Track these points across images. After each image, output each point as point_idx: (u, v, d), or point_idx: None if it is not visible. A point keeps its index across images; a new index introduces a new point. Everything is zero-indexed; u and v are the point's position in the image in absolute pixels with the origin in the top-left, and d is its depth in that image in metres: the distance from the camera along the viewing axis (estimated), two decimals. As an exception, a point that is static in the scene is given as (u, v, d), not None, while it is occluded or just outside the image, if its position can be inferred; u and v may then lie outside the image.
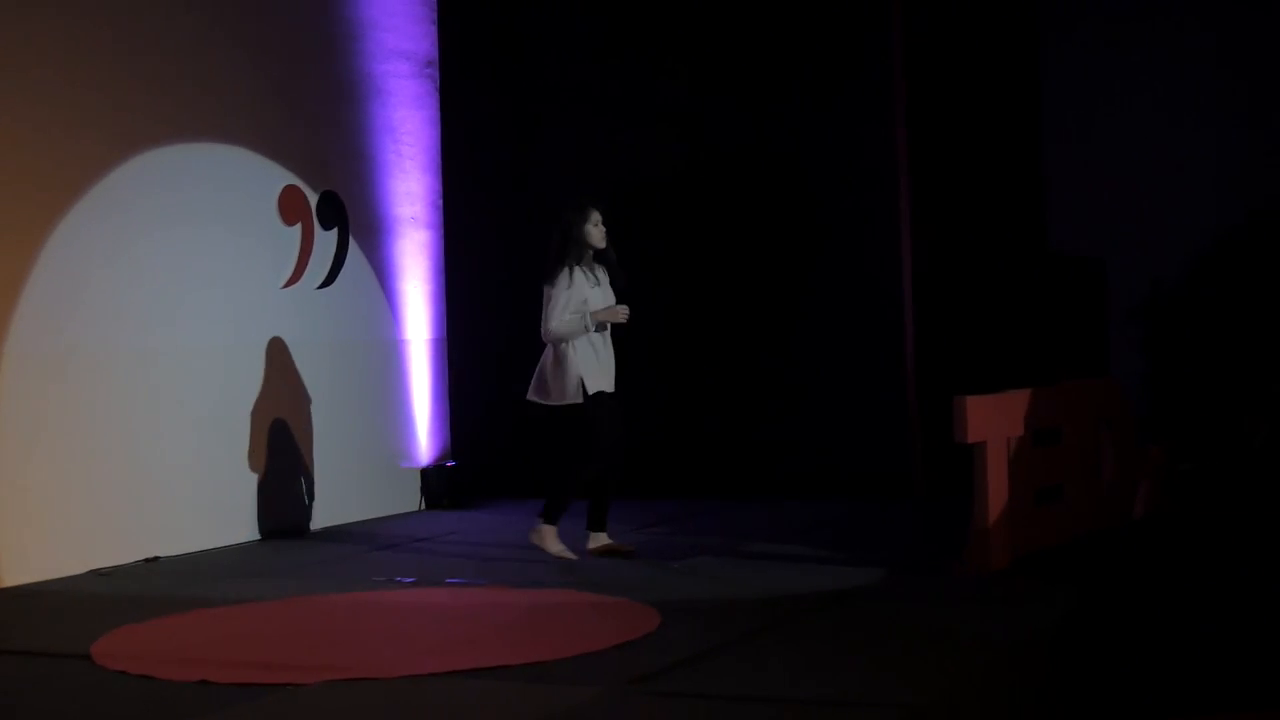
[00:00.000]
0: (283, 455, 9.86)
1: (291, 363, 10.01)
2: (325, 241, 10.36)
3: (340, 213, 10.47)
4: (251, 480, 9.62)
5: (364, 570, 8.33)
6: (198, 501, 9.25)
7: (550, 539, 8.42)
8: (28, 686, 5.92)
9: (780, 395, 11.18)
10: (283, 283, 10.03)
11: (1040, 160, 11.54)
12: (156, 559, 8.84)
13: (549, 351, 8.43)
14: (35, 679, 6.02)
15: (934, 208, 10.89)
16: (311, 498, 10.01)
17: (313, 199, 10.26)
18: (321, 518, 10.07)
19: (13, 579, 8.07)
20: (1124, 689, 6.03)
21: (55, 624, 7.12)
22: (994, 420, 7.78)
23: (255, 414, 9.65)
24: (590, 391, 8.37)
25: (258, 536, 9.60)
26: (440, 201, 11.44)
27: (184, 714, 5.36)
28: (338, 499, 10.20)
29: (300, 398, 10.09)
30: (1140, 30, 11.10)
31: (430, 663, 6.04)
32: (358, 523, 10.18)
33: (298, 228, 10.13)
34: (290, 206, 10.08)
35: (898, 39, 10.78)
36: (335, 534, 9.79)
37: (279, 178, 10.01)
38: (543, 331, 8.39)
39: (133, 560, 8.74)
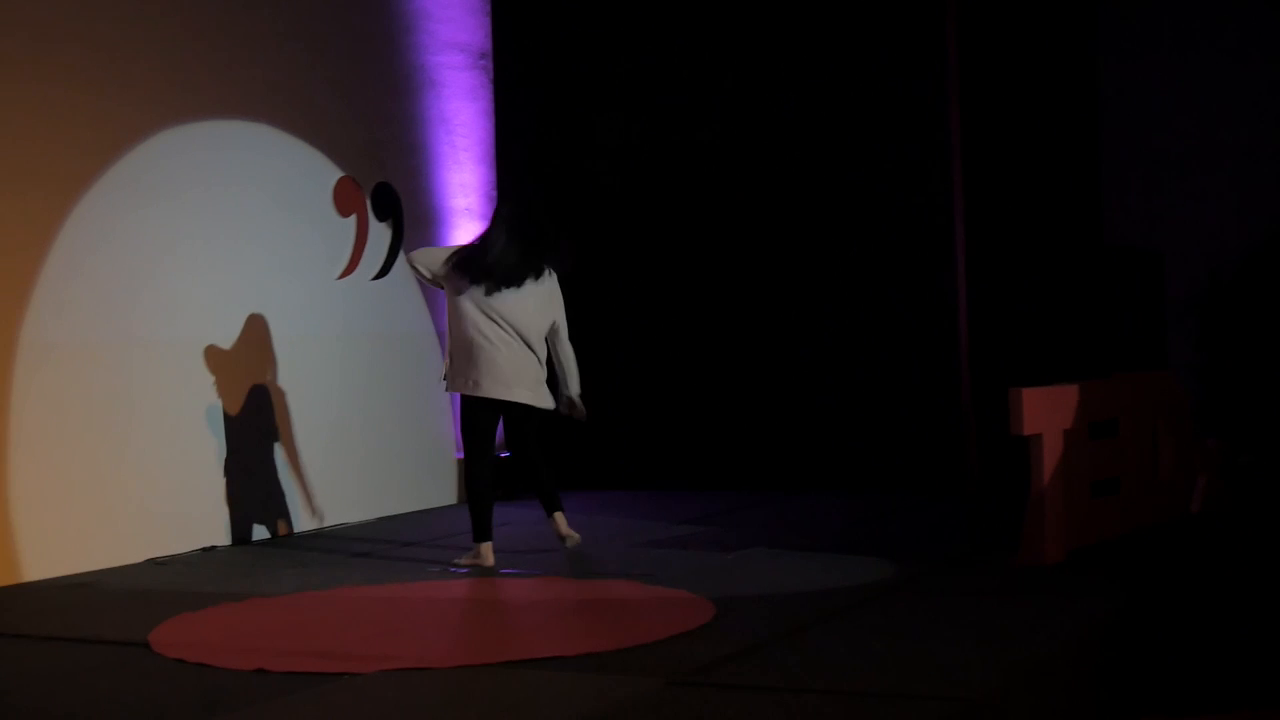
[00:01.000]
0: (334, 447, 9.90)
1: (342, 354, 10.05)
2: (380, 233, 10.40)
3: (395, 204, 10.50)
4: (303, 472, 9.67)
5: (418, 561, 8.35)
6: (251, 493, 9.30)
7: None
8: (88, 674, 5.96)
9: (834, 388, 11.15)
10: (337, 274, 10.08)
11: (1097, 152, 11.46)
12: (213, 548, 8.91)
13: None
14: (95, 666, 6.07)
15: (988, 200, 10.83)
16: (364, 489, 10.05)
17: (367, 190, 10.30)
18: (375, 508, 10.11)
19: (71, 567, 8.14)
20: (1178, 683, 6.02)
21: (114, 612, 7.17)
22: (1049, 413, 7.74)
23: (305, 406, 9.70)
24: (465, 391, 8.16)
25: (310, 527, 9.65)
26: (494, 193, 11.46)
27: (242, 702, 5.39)
28: (392, 490, 10.24)
29: (351, 390, 10.13)
30: (1199, 22, 11.01)
31: (485, 653, 6.06)
32: (411, 514, 10.22)
33: (353, 219, 10.19)
34: (345, 198, 10.12)
35: (952, 27, 10.73)
36: (389, 525, 9.83)
37: (333, 169, 10.05)
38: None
39: (190, 550, 8.81)
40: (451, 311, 8.14)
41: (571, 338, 8.36)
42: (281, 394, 9.52)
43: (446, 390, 8.32)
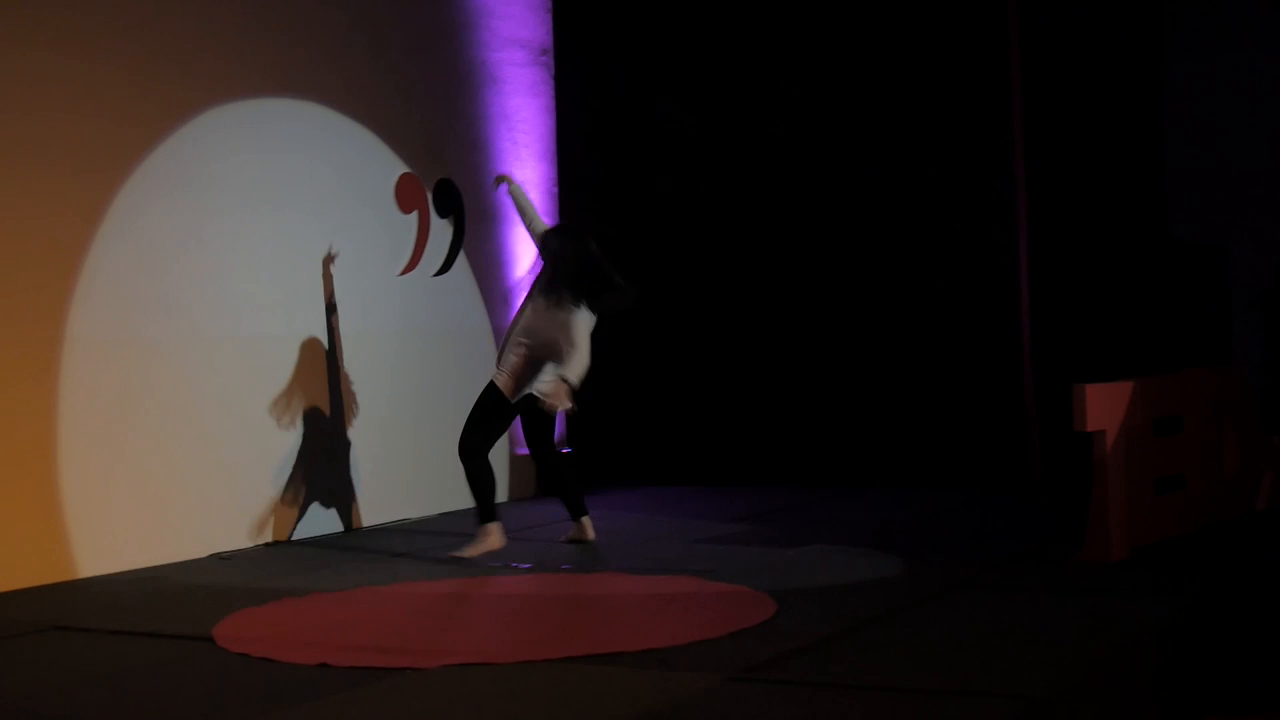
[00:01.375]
0: (394, 441, 9.94)
1: (401, 350, 10.09)
2: (441, 229, 10.44)
3: (456, 201, 10.53)
4: (368, 467, 9.72)
5: (480, 557, 8.37)
6: (314, 487, 9.35)
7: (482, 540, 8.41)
8: (153, 668, 6.01)
9: (896, 384, 11.12)
10: (399, 271, 10.12)
11: (1163, 146, 11.38)
12: (275, 543, 8.97)
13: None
14: (160, 660, 6.11)
15: (1052, 195, 10.77)
16: (426, 484, 10.09)
17: (429, 187, 10.34)
18: (437, 504, 10.14)
19: (136, 562, 8.20)
20: (1242, 682, 5.97)
21: (178, 606, 7.22)
22: (1113, 409, 7.69)
23: (367, 401, 9.74)
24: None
25: (372, 523, 9.69)
26: (555, 190, 11.48)
27: (305, 696, 5.41)
28: (453, 486, 10.24)
29: (411, 384, 10.17)
30: (1268, 16, 10.92)
31: (546, 648, 6.06)
32: (473, 509, 10.24)
33: (414, 215, 10.23)
34: (407, 195, 10.16)
35: (1015, 20, 10.67)
36: (452, 520, 9.85)
37: (395, 163, 10.09)
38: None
39: (253, 544, 8.87)
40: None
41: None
42: (343, 389, 9.57)
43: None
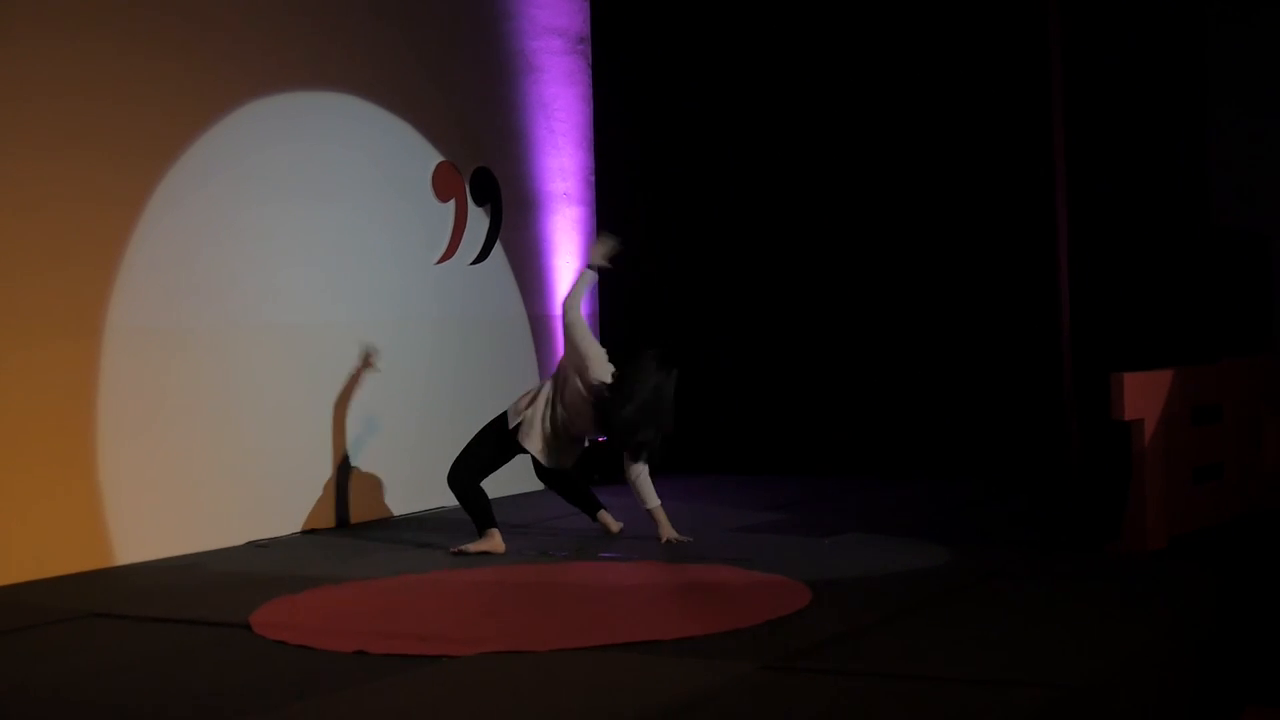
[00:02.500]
0: (436, 431, 9.95)
1: (437, 338, 10.11)
2: (478, 218, 10.45)
3: (494, 189, 10.54)
4: (405, 456, 9.74)
5: (517, 545, 8.38)
6: (350, 475, 9.38)
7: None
8: (189, 655, 6.03)
9: (934, 372, 11.09)
10: (436, 259, 10.14)
11: (1205, 132, 11.30)
12: (312, 531, 9.00)
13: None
14: (197, 647, 6.13)
15: (1092, 181, 10.71)
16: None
17: (466, 175, 10.35)
18: (475, 491, 10.16)
19: (173, 550, 8.24)
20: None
21: (215, 594, 7.24)
22: (1152, 397, 7.65)
23: (404, 389, 9.77)
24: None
25: (407, 511, 9.72)
26: (592, 178, 11.48)
27: (342, 684, 5.43)
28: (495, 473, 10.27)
29: (447, 373, 10.18)
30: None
31: (583, 636, 6.07)
32: (510, 496, 10.24)
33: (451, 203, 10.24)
34: (445, 183, 10.17)
35: (1055, 8, 10.61)
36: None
37: (431, 152, 10.10)
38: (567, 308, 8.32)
39: (290, 532, 8.90)
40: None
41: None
42: (380, 377, 9.58)
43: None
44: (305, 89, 9.20)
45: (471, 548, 8.20)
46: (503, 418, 8.44)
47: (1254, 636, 6.43)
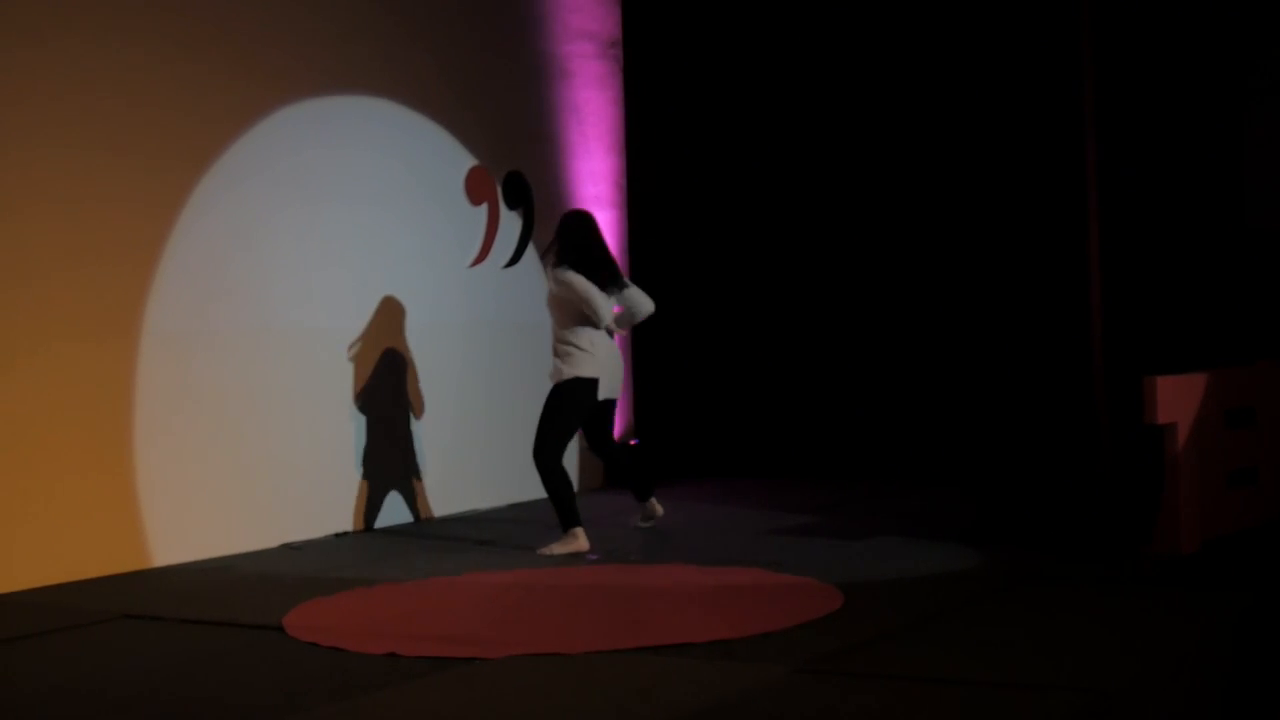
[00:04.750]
0: (468, 433, 9.98)
1: (469, 341, 10.12)
2: (510, 221, 10.46)
3: (526, 193, 10.56)
4: (437, 458, 9.76)
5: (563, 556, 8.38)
6: (383, 478, 9.41)
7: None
8: (222, 656, 6.06)
9: (967, 376, 11.07)
10: (469, 262, 10.16)
11: (1240, 132, 11.25)
12: (345, 534, 9.03)
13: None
14: (229, 649, 6.16)
15: (1124, 182, 10.68)
16: (495, 476, 10.11)
17: (498, 179, 10.37)
18: (505, 494, 10.18)
19: (206, 552, 8.27)
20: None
21: (248, 596, 7.28)
22: (1185, 401, 7.63)
23: (437, 392, 9.79)
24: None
25: (441, 513, 9.74)
26: (624, 181, 11.49)
27: (374, 685, 5.44)
28: (521, 477, 10.27)
29: (481, 376, 10.20)
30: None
31: (614, 639, 6.08)
32: (540, 500, 10.26)
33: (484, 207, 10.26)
34: (477, 187, 10.20)
35: (1087, 6, 10.58)
36: (520, 511, 9.89)
37: (464, 156, 10.13)
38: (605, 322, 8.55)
39: (323, 535, 8.93)
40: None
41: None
42: (413, 380, 9.61)
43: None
44: (337, 94, 9.24)
45: (558, 549, 8.22)
46: (554, 392, 8.51)
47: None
